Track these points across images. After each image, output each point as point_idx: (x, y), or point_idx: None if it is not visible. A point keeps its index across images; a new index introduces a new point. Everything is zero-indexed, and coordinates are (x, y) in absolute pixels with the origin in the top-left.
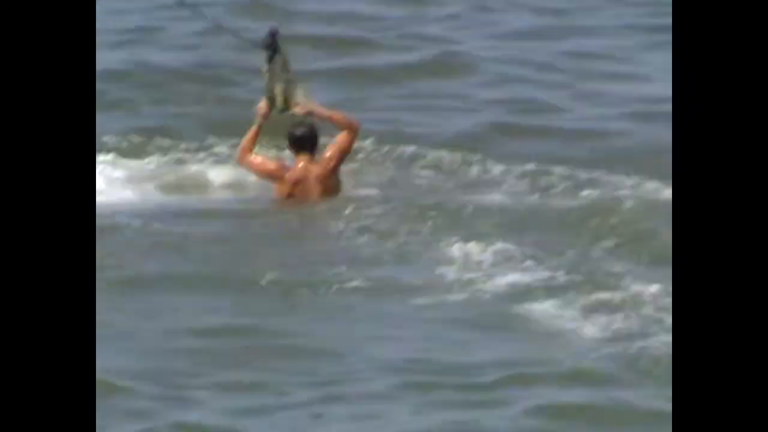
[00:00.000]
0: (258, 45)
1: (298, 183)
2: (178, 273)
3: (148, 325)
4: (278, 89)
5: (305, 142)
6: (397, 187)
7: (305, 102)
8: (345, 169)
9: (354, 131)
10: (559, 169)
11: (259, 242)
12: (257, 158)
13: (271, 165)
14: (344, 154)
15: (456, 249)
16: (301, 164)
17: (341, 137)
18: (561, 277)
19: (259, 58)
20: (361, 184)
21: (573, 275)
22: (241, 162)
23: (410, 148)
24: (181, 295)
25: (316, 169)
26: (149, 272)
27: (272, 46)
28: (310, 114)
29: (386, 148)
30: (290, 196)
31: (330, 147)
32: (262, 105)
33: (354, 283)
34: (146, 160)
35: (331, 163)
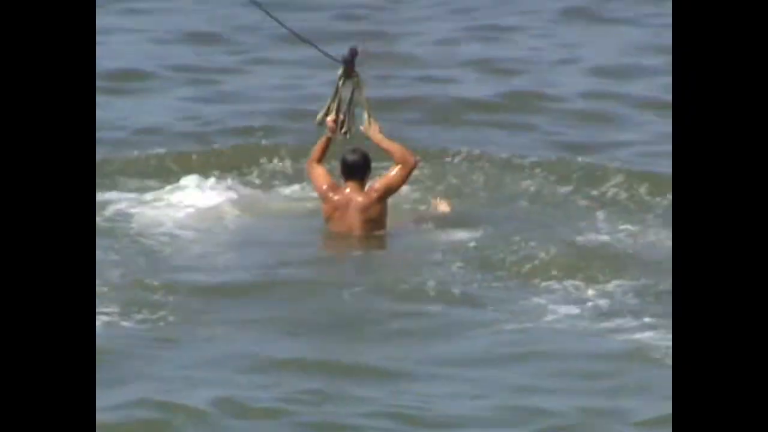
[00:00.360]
0: (337, 61)
1: (338, 208)
2: (267, 299)
3: (228, 355)
4: (345, 108)
5: (356, 170)
6: (491, 218)
7: (368, 126)
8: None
9: (408, 167)
10: (658, 207)
11: (352, 268)
12: (319, 170)
13: (324, 182)
14: (392, 189)
15: (552, 284)
16: (347, 190)
17: (394, 171)
18: (663, 315)
19: (335, 75)
20: (455, 211)
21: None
22: (307, 169)
23: (504, 177)
24: (268, 319)
25: (359, 198)
26: (232, 303)
27: (349, 64)
28: (370, 139)
29: (478, 173)
30: (330, 219)
31: (380, 178)
32: (331, 119)
33: (438, 308)
34: (237, 184)
35: (375, 195)
